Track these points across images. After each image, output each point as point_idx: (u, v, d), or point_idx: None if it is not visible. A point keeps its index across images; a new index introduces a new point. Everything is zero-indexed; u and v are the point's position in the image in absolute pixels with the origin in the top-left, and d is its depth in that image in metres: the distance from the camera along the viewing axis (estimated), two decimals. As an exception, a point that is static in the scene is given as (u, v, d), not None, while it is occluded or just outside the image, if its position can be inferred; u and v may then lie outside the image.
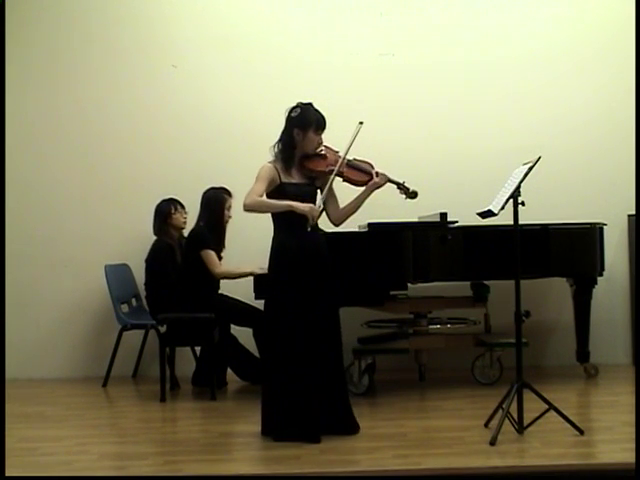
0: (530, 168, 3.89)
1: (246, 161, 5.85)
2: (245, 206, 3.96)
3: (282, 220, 4.05)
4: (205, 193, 5.33)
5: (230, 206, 5.32)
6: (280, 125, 4.10)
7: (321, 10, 6.05)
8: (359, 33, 6.03)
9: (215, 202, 5.28)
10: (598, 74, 6.00)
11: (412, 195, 4.27)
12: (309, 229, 3.97)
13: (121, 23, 6.05)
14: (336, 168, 4.05)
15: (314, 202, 4.05)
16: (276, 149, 4.10)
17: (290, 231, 4.02)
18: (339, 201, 4.22)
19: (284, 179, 4.05)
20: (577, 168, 5.97)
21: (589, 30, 6.03)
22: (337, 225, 4.27)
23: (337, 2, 6.06)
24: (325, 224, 4.23)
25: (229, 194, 5.32)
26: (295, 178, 4.09)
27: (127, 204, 5.96)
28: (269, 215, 4.09)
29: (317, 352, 3.95)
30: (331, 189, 4.13)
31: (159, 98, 6.02)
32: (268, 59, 6.00)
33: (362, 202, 4.17)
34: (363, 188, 4.16)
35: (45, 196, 6.01)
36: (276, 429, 3.96)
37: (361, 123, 4.09)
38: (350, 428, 4.02)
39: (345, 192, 4.22)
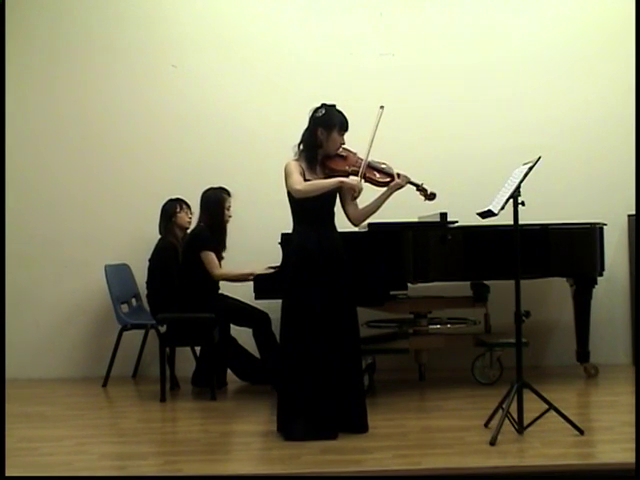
0: (530, 168, 3.89)
1: (246, 161, 5.91)
2: (300, 192, 3.98)
3: (303, 216, 4.09)
4: (204, 194, 5.30)
5: (230, 206, 5.30)
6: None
7: (321, 10, 6.05)
8: (359, 33, 6.03)
9: (215, 202, 5.25)
10: (598, 74, 6.00)
11: (431, 197, 4.33)
12: (356, 199, 4.14)
13: (121, 23, 6.05)
14: (361, 169, 4.11)
15: (334, 201, 4.14)
16: (300, 148, 4.14)
17: (311, 227, 4.06)
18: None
19: (308, 176, 4.09)
20: (577, 168, 5.96)
21: (589, 30, 6.03)
22: (356, 225, 4.34)
23: (337, 2, 6.06)
24: (342, 224, 4.26)
25: (228, 194, 5.30)
26: (318, 177, 4.13)
27: (127, 204, 5.97)
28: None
29: (336, 350, 3.97)
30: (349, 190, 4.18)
31: (159, 98, 6.01)
32: (268, 59, 6.00)
33: (382, 203, 4.23)
34: (384, 189, 4.22)
35: (45, 196, 6.00)
36: (291, 428, 3.95)
37: (382, 107, 4.14)
38: (359, 427, 4.03)
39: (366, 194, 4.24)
